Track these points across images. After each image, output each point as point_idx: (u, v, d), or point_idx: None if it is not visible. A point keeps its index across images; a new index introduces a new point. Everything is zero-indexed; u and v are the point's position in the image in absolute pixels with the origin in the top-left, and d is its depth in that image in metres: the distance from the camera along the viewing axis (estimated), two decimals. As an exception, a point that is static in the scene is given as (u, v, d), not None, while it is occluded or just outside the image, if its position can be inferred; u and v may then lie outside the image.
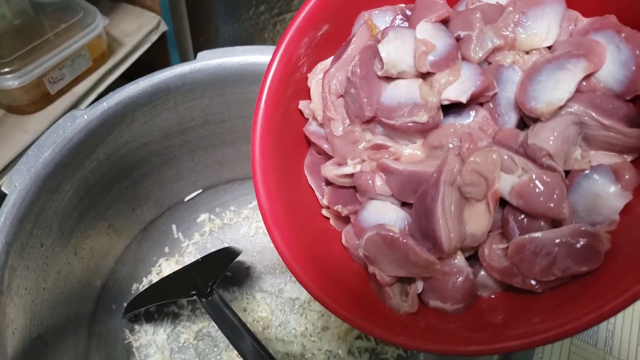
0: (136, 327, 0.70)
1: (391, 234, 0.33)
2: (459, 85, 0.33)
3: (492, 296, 0.35)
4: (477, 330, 0.33)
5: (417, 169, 0.33)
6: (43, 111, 0.81)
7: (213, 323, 0.71)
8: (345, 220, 0.40)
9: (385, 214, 0.35)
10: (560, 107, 0.31)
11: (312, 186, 0.41)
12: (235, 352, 0.68)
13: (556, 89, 0.31)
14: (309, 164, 0.41)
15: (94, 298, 0.67)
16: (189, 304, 0.73)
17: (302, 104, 0.41)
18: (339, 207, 0.38)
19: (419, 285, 0.35)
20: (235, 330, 0.58)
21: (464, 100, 0.33)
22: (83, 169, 0.57)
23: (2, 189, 0.50)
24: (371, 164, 0.35)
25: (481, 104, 0.35)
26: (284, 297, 0.75)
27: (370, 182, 0.35)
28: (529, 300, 0.33)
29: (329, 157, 0.39)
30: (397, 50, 0.34)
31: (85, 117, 0.54)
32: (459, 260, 0.33)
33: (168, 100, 0.60)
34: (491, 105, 0.35)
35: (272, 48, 0.60)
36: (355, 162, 0.36)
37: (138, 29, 0.90)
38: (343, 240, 0.39)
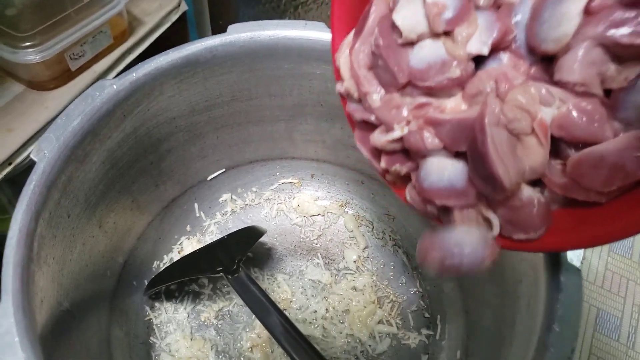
0: (157, 304, 0.70)
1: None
2: (478, 37, 0.33)
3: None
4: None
5: (463, 116, 0.33)
6: (63, 88, 0.80)
7: (234, 302, 0.71)
8: (406, 179, 0.39)
9: (444, 170, 0.35)
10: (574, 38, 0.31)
11: (367, 157, 0.40)
12: (255, 331, 0.68)
13: (561, 23, 0.31)
14: (359, 137, 0.41)
15: (116, 274, 0.67)
16: (210, 283, 0.72)
17: (338, 86, 0.40)
18: (396, 167, 0.38)
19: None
20: (263, 307, 0.58)
21: (485, 52, 0.33)
22: (110, 140, 0.56)
23: (32, 156, 0.49)
24: (418, 122, 0.34)
25: (504, 49, 0.34)
26: (305, 280, 0.74)
27: (420, 139, 0.34)
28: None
29: (375, 129, 0.38)
30: (411, 15, 0.34)
31: (114, 86, 0.53)
32: (526, 191, 0.34)
33: (197, 73, 0.59)
34: (514, 47, 0.34)
35: (304, 23, 0.59)
36: (402, 125, 0.35)
37: (158, 8, 0.89)
38: (408, 198, 0.40)
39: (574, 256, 0.86)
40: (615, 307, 0.87)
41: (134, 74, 0.55)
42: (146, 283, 0.69)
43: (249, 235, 0.68)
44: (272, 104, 0.67)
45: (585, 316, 0.86)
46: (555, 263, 0.46)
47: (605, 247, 0.94)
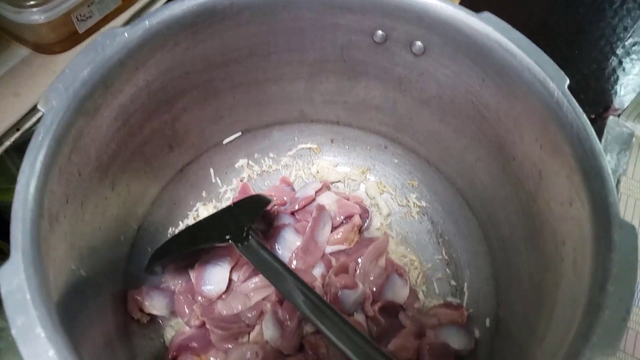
0: (171, 272, 0.67)
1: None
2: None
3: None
4: None
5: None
6: (70, 51, 0.77)
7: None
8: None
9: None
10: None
11: None
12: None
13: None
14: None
15: (130, 240, 0.64)
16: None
17: None
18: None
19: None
20: (277, 273, 0.55)
21: None
22: (122, 94, 0.52)
23: (39, 107, 0.46)
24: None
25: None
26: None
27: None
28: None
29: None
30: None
31: (126, 35, 0.50)
32: None
33: (213, 24, 0.55)
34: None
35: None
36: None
37: (171, -34, 0.85)
38: None
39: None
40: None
41: (147, 22, 0.51)
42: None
43: (256, 204, 0.65)
44: (291, 59, 0.63)
45: None
46: (606, 220, 0.42)
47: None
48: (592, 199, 0.44)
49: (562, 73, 0.49)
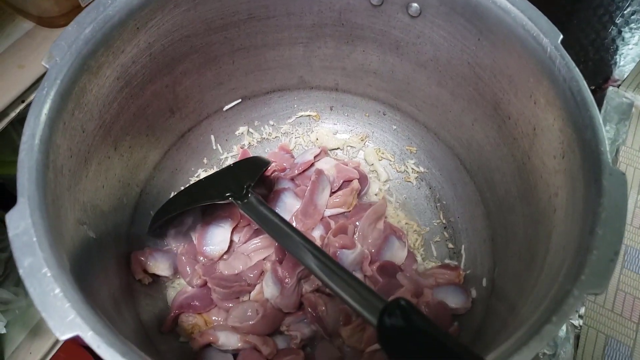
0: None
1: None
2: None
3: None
4: None
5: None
6: (73, 25, 0.78)
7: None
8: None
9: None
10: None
11: None
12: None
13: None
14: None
15: (133, 202, 0.65)
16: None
17: None
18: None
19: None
20: (278, 228, 0.56)
21: None
22: (124, 54, 0.53)
23: (43, 63, 0.47)
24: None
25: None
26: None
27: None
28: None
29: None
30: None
31: (127, -5, 0.51)
32: None
33: (212, -15, 0.56)
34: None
35: None
36: None
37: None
38: None
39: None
40: (627, 334, 0.75)
41: (147, -18, 0.52)
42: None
43: (256, 164, 0.66)
44: (290, 23, 0.64)
45: (591, 345, 0.75)
46: (597, 168, 0.43)
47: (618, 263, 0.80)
48: (584, 148, 0.45)
49: (556, 28, 0.50)
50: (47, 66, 0.46)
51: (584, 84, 0.47)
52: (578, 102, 0.46)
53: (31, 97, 0.70)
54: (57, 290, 0.36)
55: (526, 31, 0.51)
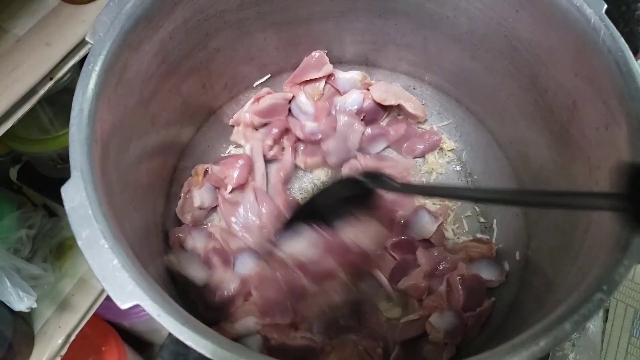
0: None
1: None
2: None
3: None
4: None
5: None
6: (98, 1, 0.78)
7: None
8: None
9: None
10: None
11: None
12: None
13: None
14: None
15: (168, 178, 0.66)
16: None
17: None
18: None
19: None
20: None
21: None
22: (163, 29, 0.53)
23: (87, 38, 0.47)
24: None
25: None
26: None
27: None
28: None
29: None
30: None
31: (165, -31, 0.51)
32: None
33: (247, -41, 0.56)
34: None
35: None
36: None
37: None
38: None
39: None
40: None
41: (185, -44, 0.51)
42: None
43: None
44: (322, -2, 0.64)
45: (620, 319, 0.76)
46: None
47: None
48: (630, 119, 0.44)
49: None
50: (91, 41, 0.47)
51: (630, 54, 0.46)
52: (624, 73, 0.46)
53: (59, 74, 0.70)
54: (115, 261, 0.37)
55: (568, 1, 0.50)
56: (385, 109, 0.74)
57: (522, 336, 0.37)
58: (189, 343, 0.35)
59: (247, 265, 0.62)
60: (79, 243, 0.38)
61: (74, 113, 0.43)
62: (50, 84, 0.70)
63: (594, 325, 0.74)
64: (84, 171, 0.40)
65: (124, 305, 0.36)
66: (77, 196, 0.39)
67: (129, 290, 0.36)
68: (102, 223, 0.38)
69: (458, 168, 0.75)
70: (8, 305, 0.59)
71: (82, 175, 0.40)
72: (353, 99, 0.72)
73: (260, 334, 0.58)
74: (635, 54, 0.97)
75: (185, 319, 0.36)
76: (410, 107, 0.72)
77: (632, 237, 0.39)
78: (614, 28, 0.48)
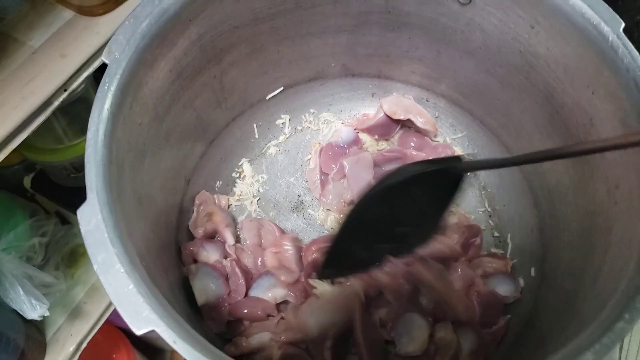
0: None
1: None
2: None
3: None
4: None
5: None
6: (112, 13, 0.78)
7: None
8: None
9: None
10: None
11: None
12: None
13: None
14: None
15: (182, 192, 0.66)
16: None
17: None
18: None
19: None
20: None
21: None
22: (177, 47, 0.53)
23: (103, 58, 0.47)
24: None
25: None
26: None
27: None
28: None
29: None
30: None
31: (180, -13, 0.51)
32: None
33: (262, -25, 0.56)
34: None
35: None
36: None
37: None
38: None
39: None
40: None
41: (199, -26, 0.51)
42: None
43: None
44: (336, 11, 0.64)
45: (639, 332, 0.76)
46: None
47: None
48: (650, 140, 0.44)
49: (617, 16, 0.49)
50: (107, 61, 0.47)
51: (648, 74, 0.46)
52: (643, 93, 0.45)
53: (73, 86, 0.71)
54: (131, 286, 0.37)
55: (585, 19, 0.50)
56: (398, 122, 0.74)
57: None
58: (205, 370, 0.35)
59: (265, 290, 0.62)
60: (95, 267, 0.38)
61: (89, 134, 0.43)
62: (64, 95, 0.70)
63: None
64: (100, 193, 0.40)
65: (139, 331, 0.36)
66: (93, 219, 0.39)
67: (144, 316, 0.36)
68: (117, 247, 0.38)
69: (472, 180, 0.74)
70: (21, 313, 0.59)
71: (97, 197, 0.40)
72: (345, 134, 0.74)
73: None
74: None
75: (202, 345, 0.36)
76: (420, 122, 0.72)
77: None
78: (633, 47, 0.47)
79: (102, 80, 0.45)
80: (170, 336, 0.36)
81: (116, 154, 0.45)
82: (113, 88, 0.45)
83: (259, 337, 0.58)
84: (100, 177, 0.41)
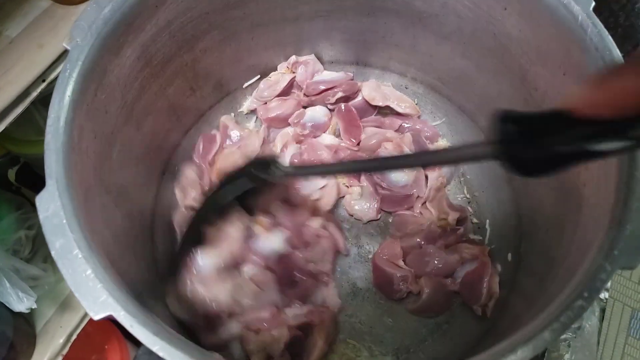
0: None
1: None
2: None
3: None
4: None
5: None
6: (88, 2, 0.77)
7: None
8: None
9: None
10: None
11: None
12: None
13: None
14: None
15: (156, 183, 0.65)
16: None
17: None
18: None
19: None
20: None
21: None
22: (144, 33, 0.53)
23: (64, 44, 0.47)
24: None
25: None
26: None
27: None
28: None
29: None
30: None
31: (145, -28, 0.50)
32: None
33: (230, -42, 0.55)
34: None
35: None
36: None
37: None
38: None
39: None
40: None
41: (164, -42, 0.51)
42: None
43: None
44: (309, -3, 0.63)
45: (617, 319, 0.75)
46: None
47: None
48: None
49: None
50: (68, 47, 0.46)
51: (617, 53, 0.45)
52: (611, 72, 0.45)
53: (52, 76, 0.70)
54: (89, 272, 0.37)
55: (556, -1, 0.49)
56: (375, 108, 0.73)
57: (499, 346, 0.36)
58: (161, 354, 0.35)
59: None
60: (52, 253, 0.37)
61: (49, 121, 0.42)
62: (42, 85, 0.69)
63: (590, 324, 0.72)
64: (59, 180, 0.40)
65: (97, 316, 0.36)
66: (51, 205, 0.39)
67: (101, 301, 0.36)
68: (76, 232, 0.38)
69: (451, 167, 0.74)
70: (8, 306, 0.59)
71: (57, 184, 0.40)
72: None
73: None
74: (635, 47, 0.96)
75: (159, 329, 0.36)
76: (400, 108, 0.71)
77: (615, 242, 0.38)
78: (602, 26, 0.47)
79: (63, 66, 0.45)
80: (128, 320, 0.35)
81: (78, 141, 0.44)
82: (75, 74, 0.45)
83: (228, 327, 0.58)
84: (60, 164, 0.41)
